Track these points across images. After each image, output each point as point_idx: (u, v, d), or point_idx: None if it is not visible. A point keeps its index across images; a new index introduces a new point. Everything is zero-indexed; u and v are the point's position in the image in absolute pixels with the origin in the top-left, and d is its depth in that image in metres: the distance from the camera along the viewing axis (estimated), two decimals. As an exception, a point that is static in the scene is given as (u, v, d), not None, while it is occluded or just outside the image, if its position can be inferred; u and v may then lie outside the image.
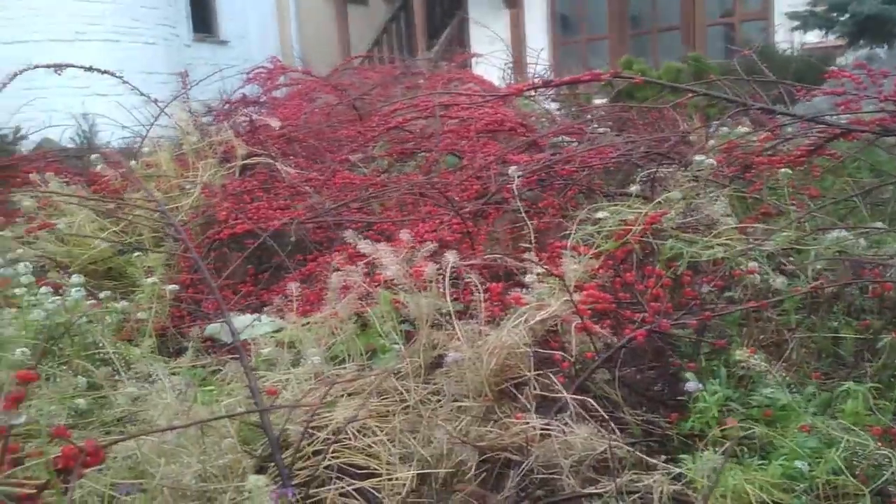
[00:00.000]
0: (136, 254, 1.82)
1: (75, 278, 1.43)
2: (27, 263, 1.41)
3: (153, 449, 0.90)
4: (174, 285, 1.54)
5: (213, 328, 1.53)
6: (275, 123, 2.32)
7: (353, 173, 2.45)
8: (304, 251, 2.10)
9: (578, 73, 1.65)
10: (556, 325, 1.27)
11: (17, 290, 1.33)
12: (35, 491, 0.73)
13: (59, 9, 8.82)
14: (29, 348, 1.19)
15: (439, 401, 1.27)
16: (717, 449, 1.02)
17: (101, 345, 1.36)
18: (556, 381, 1.14)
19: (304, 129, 2.82)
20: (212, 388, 1.14)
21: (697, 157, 1.64)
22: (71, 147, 5.11)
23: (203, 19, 10.92)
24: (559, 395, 1.15)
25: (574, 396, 1.12)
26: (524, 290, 1.25)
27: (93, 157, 2.30)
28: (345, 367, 1.33)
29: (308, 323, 1.43)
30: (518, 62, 6.84)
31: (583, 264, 1.28)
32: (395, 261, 1.32)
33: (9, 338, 1.29)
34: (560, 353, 1.19)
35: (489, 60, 5.47)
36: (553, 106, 4.09)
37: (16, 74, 2.54)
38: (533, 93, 3.65)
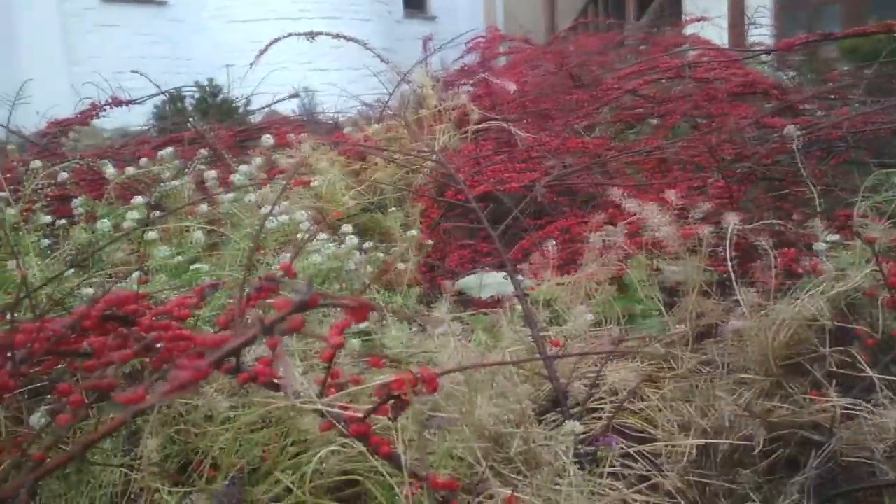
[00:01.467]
0: (390, 210, 1.90)
1: (346, 227, 1.51)
2: (304, 211, 1.52)
3: (443, 390, 0.92)
4: (430, 240, 1.59)
5: (466, 282, 1.56)
6: (511, 87, 2.32)
7: (584, 138, 2.40)
8: (537, 214, 2.09)
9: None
10: (851, 298, 1.14)
11: (298, 236, 1.44)
12: (362, 415, 0.76)
13: (288, -11, 9.45)
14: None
15: (709, 371, 1.20)
16: None
17: (368, 290, 1.42)
18: (860, 358, 1.03)
19: (532, 94, 2.81)
20: (487, 336, 1.15)
21: None
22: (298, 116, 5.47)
23: (414, -4, 11.28)
24: (861, 374, 1.03)
25: (882, 376, 1.00)
26: (818, 259, 1.13)
27: (340, 119, 2.43)
28: (606, 329, 1.29)
29: (563, 283, 1.40)
30: (737, 27, 6.36)
31: (887, 234, 1.14)
32: (665, 221, 1.25)
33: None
34: (865, 328, 1.07)
35: (708, 27, 5.13)
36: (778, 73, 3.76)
37: (270, 44, 2.75)
38: (766, 57, 3.37)
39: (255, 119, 5.12)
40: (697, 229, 1.24)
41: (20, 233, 1.46)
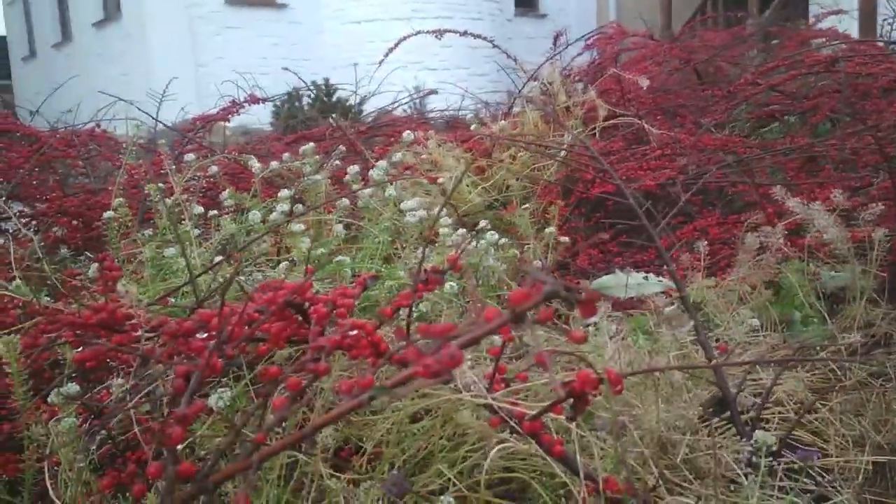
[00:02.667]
0: (517, 207, 1.88)
1: (484, 223, 1.51)
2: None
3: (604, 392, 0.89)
4: (565, 237, 1.57)
5: (603, 281, 1.52)
6: (644, 82, 2.25)
7: (717, 136, 2.30)
8: (670, 214, 2.01)
9: None
10: None
11: (439, 231, 1.45)
12: (534, 413, 0.75)
13: (401, -10, 9.59)
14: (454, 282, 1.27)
15: (882, 384, 1.11)
16: None
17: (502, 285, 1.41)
18: None
19: (660, 90, 2.72)
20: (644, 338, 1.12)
21: None
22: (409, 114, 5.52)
23: (525, -6, 11.23)
24: None
25: None
26: None
27: (466, 117, 2.44)
28: (763, 336, 1.23)
29: (713, 286, 1.34)
30: (869, 19, 5.94)
31: None
32: (832, 222, 1.17)
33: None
34: None
35: (842, 19, 4.83)
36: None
37: (400, 41, 2.79)
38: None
39: (368, 118, 5.21)
40: (868, 232, 1.15)
41: (179, 223, 1.54)
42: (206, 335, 0.68)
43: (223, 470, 0.48)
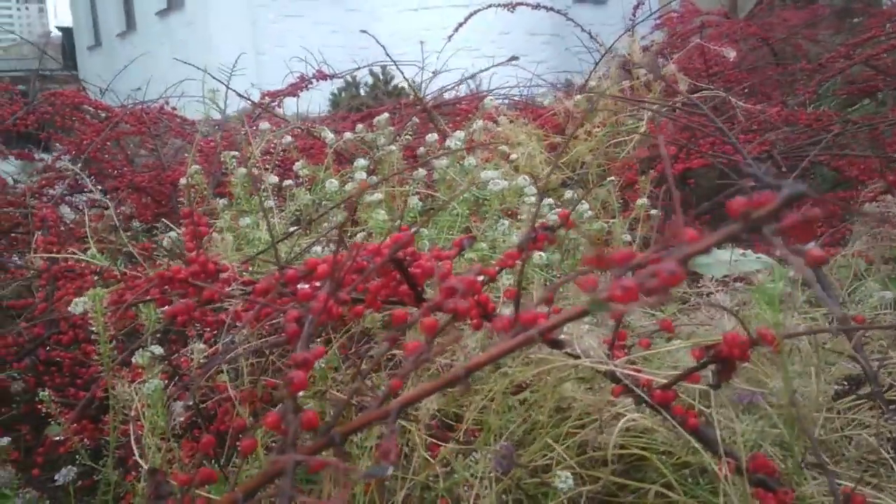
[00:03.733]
0: (594, 184, 1.79)
1: (569, 193, 1.43)
2: (526, 177, 1.45)
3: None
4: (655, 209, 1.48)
5: (700, 258, 1.42)
6: (731, 53, 2.13)
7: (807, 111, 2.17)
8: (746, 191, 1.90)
9: None
10: None
11: (526, 201, 1.38)
12: (670, 380, 0.67)
13: (457, -23, 9.54)
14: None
15: None
16: None
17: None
18: None
19: (743, 66, 2.59)
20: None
21: None
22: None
23: (584, -19, 11.05)
24: None
25: None
26: None
27: (540, 91, 2.36)
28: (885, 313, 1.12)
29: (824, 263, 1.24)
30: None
31: None
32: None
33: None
34: None
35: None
36: None
37: (466, 20, 2.73)
38: None
39: (428, 100, 5.15)
40: None
41: (254, 194, 1.50)
42: (310, 285, 0.63)
43: (356, 419, 0.41)
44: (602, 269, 0.38)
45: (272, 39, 8.79)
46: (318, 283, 0.62)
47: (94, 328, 0.79)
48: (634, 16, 2.39)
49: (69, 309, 0.79)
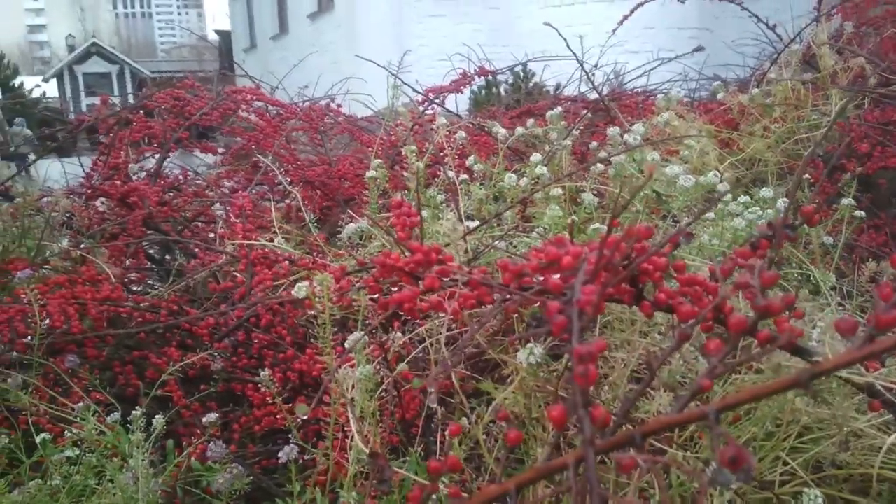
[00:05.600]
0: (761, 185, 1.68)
1: (765, 191, 1.35)
2: (717, 172, 1.38)
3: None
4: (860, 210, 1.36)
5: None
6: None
7: None
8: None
9: None
10: None
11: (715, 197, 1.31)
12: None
13: (601, -27, 9.35)
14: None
15: None
16: None
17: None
18: None
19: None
20: None
21: None
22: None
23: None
24: None
25: None
26: None
27: (714, 84, 2.25)
28: None
29: None
30: None
31: None
32: None
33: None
34: None
35: None
36: None
37: (631, 12, 2.65)
38: None
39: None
40: None
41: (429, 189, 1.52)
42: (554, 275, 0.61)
43: (657, 419, 0.39)
44: None
45: (416, 39, 8.98)
46: (558, 276, 0.61)
47: (316, 313, 0.82)
48: (820, 5, 2.22)
49: (292, 293, 0.83)
